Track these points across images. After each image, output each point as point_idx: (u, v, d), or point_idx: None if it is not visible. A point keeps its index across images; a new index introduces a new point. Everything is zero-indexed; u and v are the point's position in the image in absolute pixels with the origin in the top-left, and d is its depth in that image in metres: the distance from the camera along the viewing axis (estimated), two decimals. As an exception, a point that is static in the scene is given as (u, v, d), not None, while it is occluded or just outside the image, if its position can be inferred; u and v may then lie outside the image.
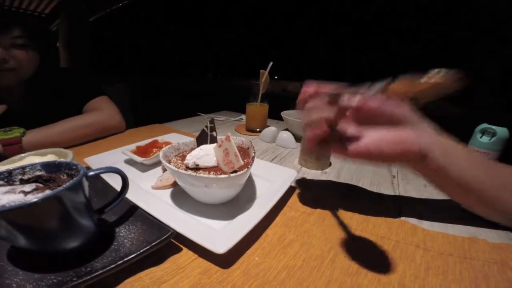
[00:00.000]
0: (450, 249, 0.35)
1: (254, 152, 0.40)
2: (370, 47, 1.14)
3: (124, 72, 1.89)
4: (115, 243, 0.31)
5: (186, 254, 0.32)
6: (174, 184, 0.45)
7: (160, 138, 0.62)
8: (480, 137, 0.57)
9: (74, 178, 0.26)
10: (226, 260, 0.31)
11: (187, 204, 0.40)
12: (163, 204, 0.40)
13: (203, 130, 0.43)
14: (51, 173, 0.31)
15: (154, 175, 0.51)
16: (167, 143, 0.59)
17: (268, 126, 0.87)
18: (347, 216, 0.42)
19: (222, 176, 0.32)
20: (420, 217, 0.43)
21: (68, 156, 0.43)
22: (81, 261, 0.28)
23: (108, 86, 1.02)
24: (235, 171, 0.35)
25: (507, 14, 0.92)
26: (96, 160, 0.54)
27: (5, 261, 0.28)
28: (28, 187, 0.28)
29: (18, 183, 0.30)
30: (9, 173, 0.30)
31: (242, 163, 0.34)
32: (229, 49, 1.57)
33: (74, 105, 0.80)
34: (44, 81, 0.78)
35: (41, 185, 0.30)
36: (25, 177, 0.31)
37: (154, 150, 0.56)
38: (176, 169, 0.34)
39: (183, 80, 1.84)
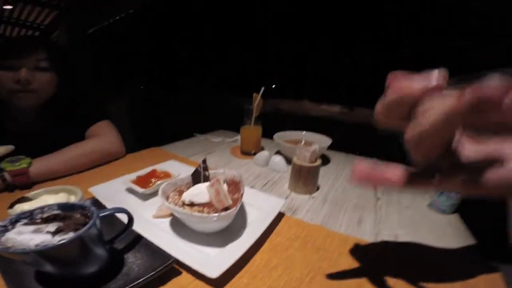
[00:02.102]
0: (420, 268, 0.43)
1: (244, 188, 0.48)
2: (365, 59, 1.22)
3: (123, 85, 1.98)
4: (125, 268, 0.39)
5: (185, 277, 0.40)
6: (172, 214, 0.54)
7: (159, 167, 0.71)
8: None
9: (90, 221, 0.34)
10: (219, 282, 0.38)
11: (184, 232, 0.48)
12: (164, 232, 0.48)
13: (196, 170, 0.51)
14: (66, 212, 0.39)
15: (153, 203, 0.59)
16: (165, 173, 0.68)
17: (262, 148, 0.96)
18: (328, 240, 0.50)
19: (214, 214, 0.41)
20: (396, 237, 0.50)
21: (77, 193, 0.51)
22: (99, 284, 0.36)
23: (108, 101, 1.10)
24: (226, 208, 0.43)
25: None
26: (100, 190, 0.61)
27: (35, 283, 0.36)
28: (51, 227, 0.36)
29: (39, 221, 0.38)
30: (31, 212, 0.38)
31: (231, 202, 0.43)
32: (226, 67, 1.66)
33: (79, 128, 0.88)
34: (59, 104, 0.85)
35: (61, 223, 0.38)
36: (44, 216, 0.39)
37: (153, 180, 0.64)
38: (175, 207, 0.42)
39: (181, 95, 1.93)
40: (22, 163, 0.70)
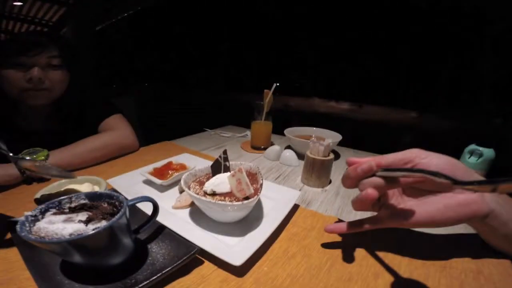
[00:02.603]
0: (432, 260, 0.43)
1: (262, 179, 0.49)
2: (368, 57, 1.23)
3: (130, 83, 1.99)
4: (150, 258, 0.40)
5: (207, 266, 0.41)
6: (191, 204, 0.55)
7: (174, 160, 0.72)
8: (469, 158, 0.66)
9: (121, 210, 0.34)
10: (240, 270, 0.40)
11: (204, 222, 0.49)
12: (184, 222, 0.49)
13: (217, 160, 0.52)
14: (93, 201, 0.40)
15: (171, 195, 0.60)
16: (181, 165, 0.68)
17: (272, 143, 0.97)
18: None
19: (236, 203, 0.42)
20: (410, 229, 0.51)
21: (101, 183, 0.52)
22: (125, 274, 0.36)
23: (116, 98, 1.11)
24: (247, 198, 0.44)
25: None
26: (118, 181, 0.63)
27: (61, 275, 0.36)
28: (81, 216, 0.36)
29: (67, 210, 0.38)
30: (59, 202, 0.38)
31: (252, 191, 0.43)
32: (236, 63, 1.66)
33: (91, 124, 0.88)
34: (71, 101, 0.84)
35: (89, 213, 0.37)
36: (72, 205, 0.38)
37: (170, 172, 0.65)
38: (198, 196, 0.43)
39: (189, 92, 1.94)
40: (40, 155, 0.71)
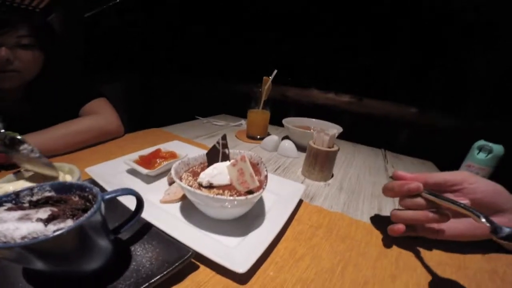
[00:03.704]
0: (447, 260, 0.40)
1: (266, 170, 0.42)
2: (367, 50, 1.18)
3: (119, 70, 1.85)
4: (134, 263, 0.33)
5: (204, 271, 0.34)
6: (182, 198, 0.47)
7: (163, 147, 0.63)
8: (477, 154, 0.62)
9: (94, 206, 0.27)
10: (244, 276, 0.33)
11: (197, 220, 0.42)
12: (175, 220, 0.42)
13: (214, 146, 0.45)
14: (61, 194, 0.31)
15: (159, 187, 0.52)
16: (170, 153, 0.60)
17: (269, 133, 0.89)
18: (352, 228, 0.46)
19: (239, 198, 0.35)
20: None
21: (74, 172, 0.43)
22: (104, 282, 0.29)
23: (103, 85, 1.00)
24: (251, 192, 0.36)
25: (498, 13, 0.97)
26: (97, 170, 0.54)
27: (24, 282, 0.29)
28: (42, 213, 0.28)
29: (27, 205, 0.30)
30: (17, 194, 0.30)
31: (257, 184, 0.36)
32: (229, 51, 1.56)
33: (71, 108, 0.78)
34: (46, 83, 0.75)
35: (54, 208, 0.29)
36: (34, 198, 0.30)
37: (158, 160, 0.57)
38: (192, 189, 0.35)
39: (179, 81, 1.83)
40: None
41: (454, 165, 0.64)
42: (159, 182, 0.55)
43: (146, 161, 0.56)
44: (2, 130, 0.43)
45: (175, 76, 1.89)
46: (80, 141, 0.71)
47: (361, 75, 1.21)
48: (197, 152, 0.54)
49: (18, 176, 0.43)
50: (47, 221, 0.26)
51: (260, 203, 0.47)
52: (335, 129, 0.59)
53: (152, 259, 0.33)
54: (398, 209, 0.43)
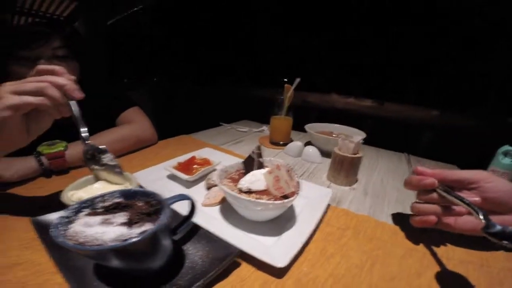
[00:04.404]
0: (470, 258, 0.43)
1: (298, 177, 0.46)
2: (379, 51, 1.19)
3: (143, 78, 1.95)
4: (187, 261, 0.37)
5: (245, 267, 0.39)
6: (221, 202, 0.52)
7: (197, 154, 0.69)
8: (502, 159, 0.63)
9: (166, 210, 0.31)
10: (280, 272, 0.38)
11: (236, 221, 0.48)
12: (217, 221, 0.47)
13: (249, 156, 0.49)
14: (128, 200, 0.36)
15: (198, 191, 0.58)
16: (205, 160, 0.66)
17: (291, 139, 0.93)
18: (378, 230, 0.50)
19: (277, 202, 0.39)
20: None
21: (131, 180, 0.49)
22: (166, 279, 0.33)
23: (129, 92, 1.07)
24: (285, 196, 0.41)
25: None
26: (142, 175, 0.60)
27: (97, 281, 0.33)
28: (119, 218, 0.32)
29: (100, 210, 0.34)
30: (92, 201, 0.35)
31: (292, 189, 0.41)
32: (251, 58, 1.61)
33: (108, 117, 0.85)
34: (85, 94, 0.82)
35: (127, 213, 0.33)
36: (106, 204, 0.35)
37: (195, 166, 0.62)
38: (236, 194, 0.40)
39: (201, 87, 1.90)
40: (58, 146, 0.68)
41: (479, 168, 0.65)
42: (197, 187, 0.60)
43: (184, 168, 0.62)
44: (88, 141, 0.49)
45: (195, 83, 1.96)
46: (119, 149, 0.78)
47: (380, 79, 1.22)
48: (227, 159, 0.59)
49: (85, 182, 0.49)
50: (129, 225, 0.31)
51: (291, 206, 0.52)
52: (360, 136, 0.62)
53: (203, 257, 0.37)
54: (418, 202, 0.47)
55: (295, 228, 0.45)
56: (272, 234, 0.44)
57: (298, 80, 0.84)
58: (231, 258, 0.36)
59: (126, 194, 0.36)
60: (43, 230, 0.40)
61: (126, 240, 0.28)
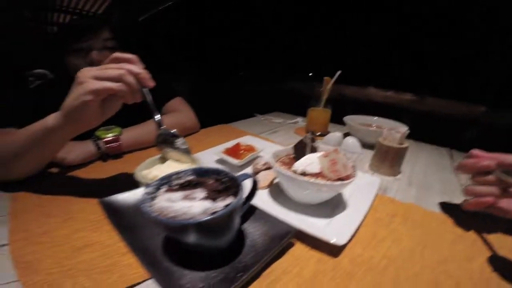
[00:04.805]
0: None
1: (354, 163, 0.47)
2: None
3: (176, 70, 2.02)
4: (248, 240, 0.38)
5: (299, 247, 0.41)
6: (269, 185, 0.54)
7: (242, 141, 0.72)
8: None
9: (240, 187, 0.33)
10: (333, 251, 0.40)
11: (286, 204, 0.50)
12: (269, 203, 0.49)
13: (301, 141, 0.51)
14: (199, 177, 0.38)
15: (245, 175, 0.60)
16: (249, 146, 0.69)
17: (328, 131, 0.94)
18: (426, 218, 0.51)
19: (336, 183, 0.41)
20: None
21: (198, 161, 0.53)
22: (230, 257, 0.35)
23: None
24: (341, 179, 0.42)
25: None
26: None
27: (168, 261, 0.34)
28: (199, 193, 0.34)
29: (176, 187, 0.36)
30: (169, 178, 0.37)
31: (349, 172, 0.42)
32: (284, 51, 1.61)
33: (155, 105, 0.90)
34: None
35: (205, 190, 0.35)
36: (180, 181, 0.37)
37: (242, 152, 0.65)
38: (295, 176, 0.43)
39: (232, 80, 1.94)
40: (115, 131, 0.73)
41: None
42: (244, 171, 0.63)
43: (232, 153, 0.66)
44: (164, 126, 0.53)
45: (227, 76, 2.00)
46: None
47: (423, 73, 1.18)
48: (269, 146, 0.61)
49: (153, 162, 0.53)
50: (212, 199, 0.33)
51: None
52: (406, 127, 0.62)
53: (262, 235, 0.39)
54: (471, 185, 0.46)
55: (346, 211, 0.47)
56: (323, 216, 0.46)
57: (339, 72, 0.84)
58: (290, 236, 0.38)
59: (198, 172, 0.39)
60: (111, 211, 0.42)
61: (214, 212, 0.30)
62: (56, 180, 0.60)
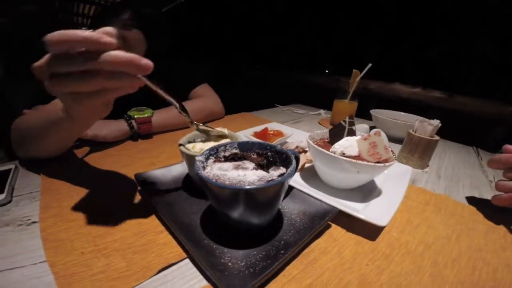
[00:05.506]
0: None
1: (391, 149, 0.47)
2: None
3: (197, 58, 2.02)
4: (286, 218, 0.39)
5: (336, 229, 0.42)
6: (301, 169, 0.55)
7: (269, 127, 0.73)
8: None
9: (291, 158, 0.33)
10: (370, 234, 0.41)
11: (319, 187, 0.51)
12: (305, 185, 0.49)
13: (340, 124, 0.52)
14: (243, 151, 0.39)
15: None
16: (277, 131, 0.69)
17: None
18: (458, 208, 0.51)
19: (379, 164, 0.41)
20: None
21: (238, 137, 0.51)
22: (269, 235, 0.35)
23: None
24: (379, 162, 0.43)
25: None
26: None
27: (207, 239, 0.34)
28: (249, 164, 0.35)
29: (222, 159, 0.37)
30: (216, 149, 0.38)
31: (390, 155, 0.42)
32: (306, 43, 1.60)
33: (182, 91, 0.92)
34: (158, 67, 0.86)
35: (253, 161, 0.36)
36: (226, 154, 0.38)
37: (271, 135, 0.66)
38: (338, 156, 0.43)
39: (252, 70, 1.94)
40: (147, 112, 0.75)
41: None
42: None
43: (261, 136, 0.67)
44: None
45: (246, 66, 2.00)
46: (196, 119, 0.83)
47: (453, 71, 1.16)
48: (297, 133, 0.60)
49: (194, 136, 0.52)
50: (266, 168, 0.34)
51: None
52: (438, 121, 0.62)
53: (300, 214, 0.40)
54: (503, 180, 0.47)
55: (382, 197, 0.48)
56: (358, 201, 0.47)
57: (369, 65, 0.84)
58: (331, 216, 0.38)
59: (243, 145, 0.39)
60: (147, 187, 0.43)
61: (270, 180, 0.31)
62: (88, 158, 0.61)
